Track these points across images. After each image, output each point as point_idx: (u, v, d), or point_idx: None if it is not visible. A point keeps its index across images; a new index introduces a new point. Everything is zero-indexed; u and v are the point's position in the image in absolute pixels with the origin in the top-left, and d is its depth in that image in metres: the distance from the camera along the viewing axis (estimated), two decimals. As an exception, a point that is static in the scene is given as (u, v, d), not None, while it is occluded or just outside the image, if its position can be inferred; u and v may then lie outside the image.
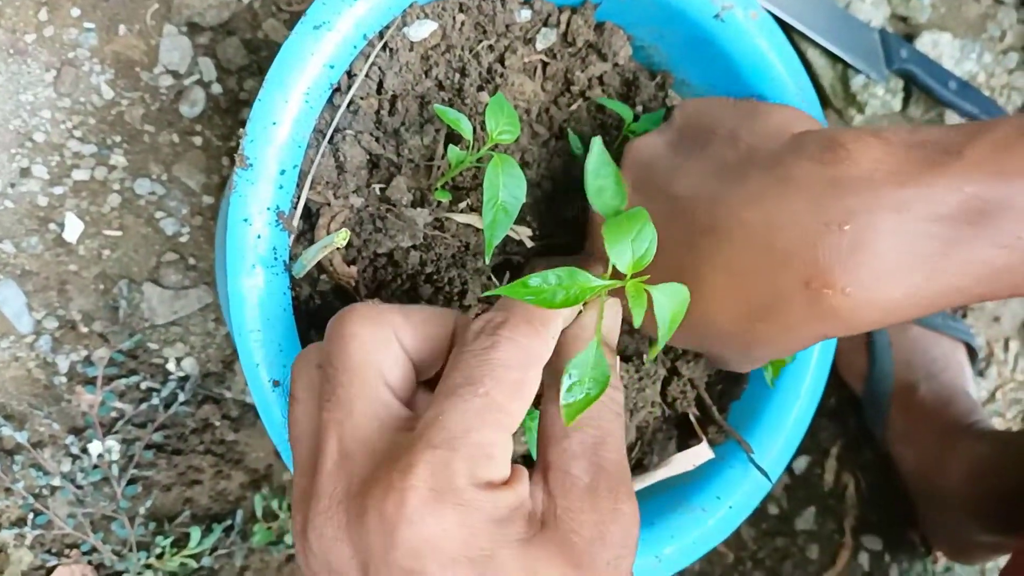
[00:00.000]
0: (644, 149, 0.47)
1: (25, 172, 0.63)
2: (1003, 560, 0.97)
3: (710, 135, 0.44)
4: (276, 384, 0.42)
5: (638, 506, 0.33)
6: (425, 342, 0.34)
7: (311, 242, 0.47)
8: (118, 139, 0.65)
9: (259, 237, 0.42)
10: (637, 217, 0.37)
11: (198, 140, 0.68)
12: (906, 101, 0.92)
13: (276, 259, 0.42)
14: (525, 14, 0.53)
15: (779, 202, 0.36)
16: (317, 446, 0.31)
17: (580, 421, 0.33)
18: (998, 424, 0.89)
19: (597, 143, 0.43)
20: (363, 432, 0.31)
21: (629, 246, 0.36)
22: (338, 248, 0.48)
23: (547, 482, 0.32)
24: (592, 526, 0.30)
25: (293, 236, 0.46)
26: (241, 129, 0.69)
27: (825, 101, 0.88)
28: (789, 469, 0.90)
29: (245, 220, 0.41)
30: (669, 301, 0.36)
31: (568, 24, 0.54)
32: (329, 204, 0.48)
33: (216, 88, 0.68)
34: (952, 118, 0.96)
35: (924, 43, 0.90)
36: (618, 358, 0.40)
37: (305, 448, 0.32)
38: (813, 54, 0.85)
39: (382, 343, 0.33)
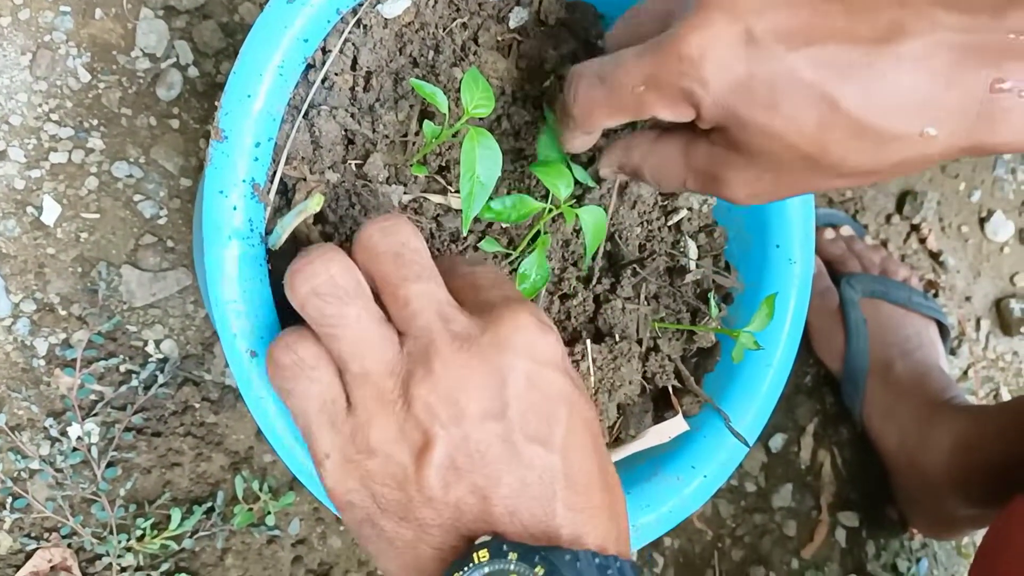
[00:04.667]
0: None
1: (2, 155, 0.63)
2: (978, 535, 0.99)
3: None
4: (253, 354, 0.43)
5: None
6: None
7: (287, 214, 0.47)
8: (95, 122, 0.66)
9: (235, 209, 0.42)
10: (555, 163, 0.49)
11: (175, 123, 0.68)
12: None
13: (252, 231, 0.43)
14: (498, -8, 0.54)
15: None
16: (418, 313, 0.36)
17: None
18: (971, 402, 0.90)
19: (550, 117, 0.52)
20: (447, 296, 0.37)
21: (560, 180, 0.47)
22: (316, 222, 0.48)
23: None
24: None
25: (269, 210, 0.47)
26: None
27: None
28: (766, 447, 0.91)
29: (221, 192, 0.42)
30: (592, 218, 0.49)
31: (540, 3, 0.55)
32: (305, 179, 0.48)
33: (193, 71, 0.68)
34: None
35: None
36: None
37: (380, 335, 0.36)
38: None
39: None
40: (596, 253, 0.54)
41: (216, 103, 0.69)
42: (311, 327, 0.37)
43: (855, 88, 0.36)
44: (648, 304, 0.57)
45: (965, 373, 1.02)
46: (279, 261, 0.49)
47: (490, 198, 0.48)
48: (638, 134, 0.48)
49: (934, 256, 1.01)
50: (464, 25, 0.53)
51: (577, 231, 0.55)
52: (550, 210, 0.48)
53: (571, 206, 0.49)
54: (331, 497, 0.37)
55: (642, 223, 0.58)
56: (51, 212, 0.64)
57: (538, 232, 0.51)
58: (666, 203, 0.59)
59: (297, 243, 0.49)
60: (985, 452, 0.79)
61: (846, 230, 0.93)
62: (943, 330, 0.92)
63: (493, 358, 0.35)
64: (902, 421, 0.87)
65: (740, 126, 0.39)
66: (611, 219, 0.56)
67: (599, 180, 0.55)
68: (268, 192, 0.45)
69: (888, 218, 0.99)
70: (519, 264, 0.51)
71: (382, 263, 0.37)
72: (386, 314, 0.37)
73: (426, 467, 0.35)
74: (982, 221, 1.04)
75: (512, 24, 0.55)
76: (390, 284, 0.37)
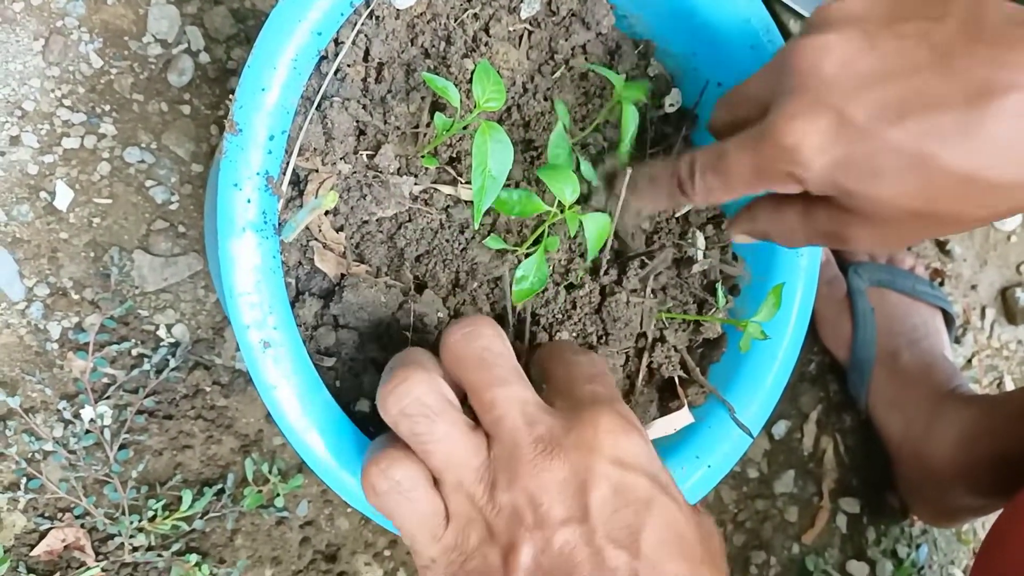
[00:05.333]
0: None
1: (15, 140, 0.64)
2: (979, 523, 1.00)
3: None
4: (266, 345, 0.43)
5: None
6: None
7: (300, 208, 0.48)
8: (107, 108, 0.66)
9: (249, 201, 0.43)
10: (563, 168, 0.49)
11: (186, 109, 0.68)
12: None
13: (266, 223, 0.43)
14: (510, -17, 0.54)
15: None
16: (503, 417, 0.38)
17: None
18: (975, 390, 0.91)
19: (560, 108, 0.52)
20: (535, 398, 0.39)
21: (566, 185, 0.47)
22: (327, 213, 0.49)
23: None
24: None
25: (282, 202, 0.47)
26: (230, 97, 0.69)
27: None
28: (769, 434, 0.92)
29: (235, 185, 0.42)
30: (595, 225, 0.50)
31: (552, -7, 0.55)
32: (317, 170, 0.49)
33: (204, 57, 0.69)
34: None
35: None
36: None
37: (469, 445, 0.38)
38: (796, 27, 0.86)
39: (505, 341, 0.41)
40: (604, 246, 0.54)
41: (228, 89, 0.70)
42: (403, 441, 0.39)
43: (956, 148, 0.38)
44: (654, 296, 0.57)
45: (969, 361, 1.03)
46: (291, 252, 0.49)
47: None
48: (757, 204, 0.50)
49: (940, 245, 1.01)
50: (476, 15, 0.53)
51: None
52: (555, 214, 0.49)
53: (577, 201, 0.50)
54: None
55: (649, 218, 0.58)
56: (64, 197, 0.65)
57: (542, 234, 0.51)
58: (674, 194, 0.59)
59: (309, 234, 0.49)
60: (990, 442, 0.79)
61: (853, 219, 0.93)
62: (948, 319, 0.93)
63: (576, 461, 0.36)
64: (907, 410, 0.88)
65: (847, 196, 0.41)
66: (616, 214, 0.56)
67: (611, 181, 0.55)
68: (281, 184, 0.46)
69: (895, 207, 0.99)
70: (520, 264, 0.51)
71: (467, 369, 0.39)
72: (475, 418, 0.39)
73: (514, 570, 0.36)
74: (989, 210, 1.04)
75: (523, 14, 0.55)
76: (476, 389, 0.39)
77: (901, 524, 0.98)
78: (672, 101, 0.59)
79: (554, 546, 0.35)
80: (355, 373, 0.51)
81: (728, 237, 0.55)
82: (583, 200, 0.54)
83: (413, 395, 0.38)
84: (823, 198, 0.44)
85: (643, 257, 0.57)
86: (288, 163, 0.47)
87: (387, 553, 0.77)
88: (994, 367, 1.04)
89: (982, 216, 0.41)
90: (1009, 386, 1.05)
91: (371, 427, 0.52)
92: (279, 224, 0.46)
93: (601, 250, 0.56)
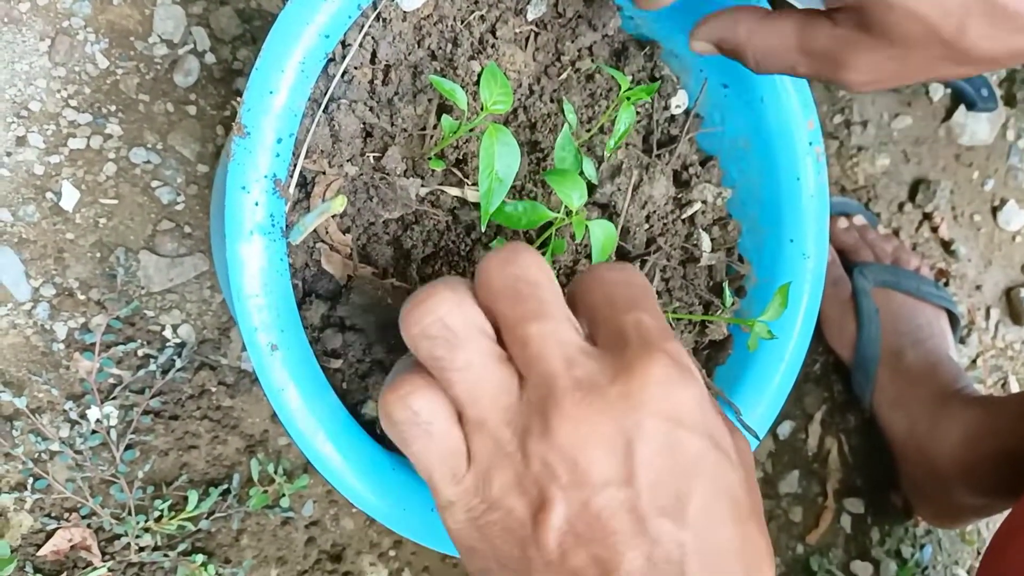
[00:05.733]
0: None
1: (21, 141, 0.64)
2: (983, 524, 1.00)
3: None
4: (274, 348, 0.44)
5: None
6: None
7: (307, 210, 0.48)
8: (113, 108, 0.66)
9: (256, 204, 0.43)
10: (570, 172, 0.48)
11: (192, 109, 0.68)
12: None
13: (273, 226, 0.44)
14: (516, -15, 0.54)
15: None
16: (539, 357, 0.33)
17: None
18: (979, 391, 0.91)
19: (568, 110, 0.52)
20: (577, 338, 0.34)
21: (573, 191, 0.47)
22: (334, 216, 0.49)
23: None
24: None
25: (289, 204, 0.47)
26: (236, 99, 0.69)
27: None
28: (774, 434, 0.92)
29: (243, 188, 0.42)
30: (601, 231, 0.49)
31: (559, -5, 0.55)
32: (324, 172, 0.49)
33: (210, 58, 0.69)
34: (936, 89, 0.97)
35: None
36: None
37: (500, 381, 0.33)
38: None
39: (548, 269, 0.35)
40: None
41: (233, 90, 0.70)
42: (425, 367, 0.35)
43: None
44: (659, 298, 0.57)
45: (974, 362, 1.03)
46: (298, 254, 0.49)
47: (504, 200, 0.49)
48: (745, 9, 0.47)
49: (945, 245, 1.01)
50: (482, 18, 0.53)
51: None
52: (562, 219, 0.48)
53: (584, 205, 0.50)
54: (454, 542, 0.35)
55: (649, 216, 0.58)
56: (70, 198, 0.65)
57: (548, 237, 0.51)
58: (680, 195, 0.59)
59: (317, 236, 0.49)
60: (995, 442, 0.79)
61: (859, 219, 0.93)
62: (953, 319, 0.93)
63: (621, 415, 0.31)
64: (912, 410, 0.88)
65: (886, 7, 0.40)
66: (622, 217, 0.56)
67: (616, 173, 0.55)
68: (288, 187, 0.46)
69: (901, 207, 0.99)
70: None
71: (499, 300, 0.34)
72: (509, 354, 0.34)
73: (544, 529, 0.32)
74: (995, 210, 1.03)
75: (530, 16, 0.55)
76: (508, 324, 0.34)
77: (905, 524, 0.98)
78: (679, 102, 0.59)
79: (591, 509, 0.31)
80: (361, 375, 0.51)
81: (693, 44, 0.50)
82: (588, 191, 0.54)
83: (436, 314, 0.33)
84: (829, 15, 0.42)
85: (642, 257, 0.57)
86: (295, 165, 0.47)
87: (392, 553, 0.77)
88: (999, 367, 1.04)
89: (991, 56, 0.40)
90: (1014, 386, 1.05)
91: (378, 429, 0.52)
92: (286, 226, 0.46)
93: (607, 253, 0.56)
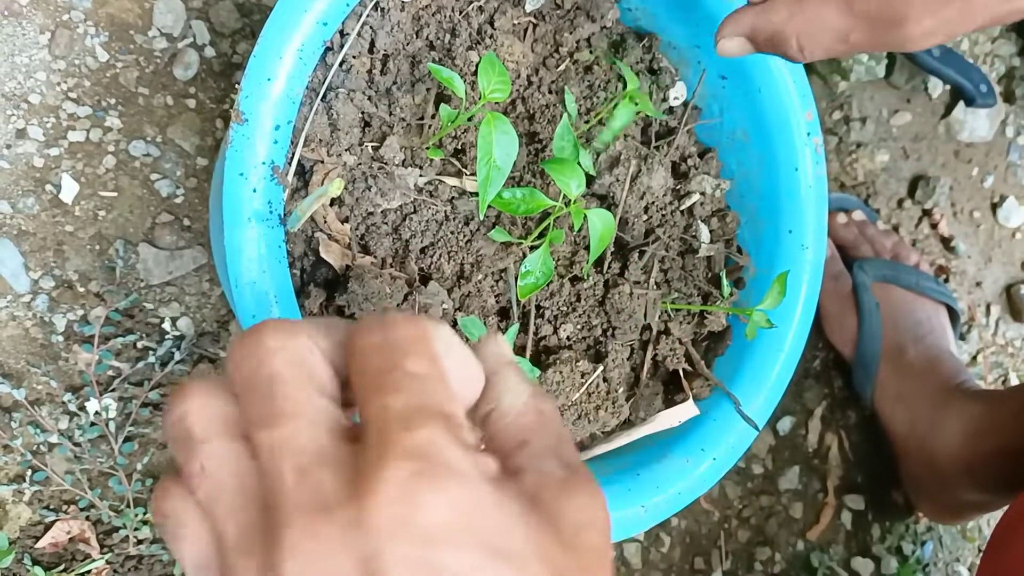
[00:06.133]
0: None
1: (21, 133, 0.64)
2: (984, 520, 1.00)
3: None
4: (272, 335, 0.43)
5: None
6: (339, 348, 0.30)
7: (306, 198, 0.48)
8: (113, 101, 0.66)
9: (255, 191, 0.43)
10: (568, 162, 0.49)
11: (192, 103, 0.68)
12: (890, 68, 0.93)
13: (271, 212, 0.44)
14: (515, -25, 0.54)
15: None
16: (268, 472, 0.27)
17: (530, 428, 0.31)
18: (980, 386, 0.91)
19: (569, 99, 0.52)
20: (318, 444, 0.27)
21: (572, 179, 0.47)
22: (332, 204, 0.49)
23: (520, 480, 0.29)
24: (579, 511, 0.29)
25: (288, 192, 0.47)
26: (236, 88, 0.69)
27: (810, 67, 0.89)
28: (774, 430, 0.92)
29: (241, 174, 0.42)
30: (600, 221, 0.50)
31: (557, -15, 0.55)
32: (323, 161, 0.49)
33: (209, 51, 0.69)
34: (935, 85, 0.97)
35: (910, 10, 0.91)
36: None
37: (236, 489, 0.28)
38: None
39: (307, 351, 0.29)
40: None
41: (233, 83, 0.70)
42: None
43: None
44: (658, 288, 0.57)
45: (974, 358, 1.03)
46: (297, 243, 0.49)
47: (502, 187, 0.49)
48: None
49: (945, 241, 1.01)
50: (480, 8, 0.54)
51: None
52: (560, 208, 0.48)
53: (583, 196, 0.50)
54: None
55: (647, 207, 0.58)
56: (69, 190, 0.65)
57: (547, 228, 0.51)
58: (679, 187, 0.59)
59: (315, 225, 0.49)
60: (997, 438, 0.79)
61: (858, 215, 0.93)
62: (953, 315, 0.93)
63: (356, 543, 0.25)
64: (913, 405, 0.88)
65: None
66: (620, 207, 0.56)
67: (614, 164, 0.55)
68: (287, 174, 0.46)
69: (900, 203, 0.99)
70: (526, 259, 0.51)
71: (240, 397, 0.29)
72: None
73: None
74: (994, 207, 1.03)
75: (528, 7, 0.55)
76: (247, 428, 0.28)
77: (906, 521, 0.97)
78: (677, 94, 0.59)
79: None
80: (360, 364, 0.51)
81: (722, 46, 0.46)
82: (587, 182, 0.55)
83: (177, 412, 0.29)
84: None
85: (642, 248, 0.57)
86: (294, 154, 0.47)
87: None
88: (999, 364, 1.04)
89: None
90: (1014, 382, 1.04)
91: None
92: (284, 214, 0.46)
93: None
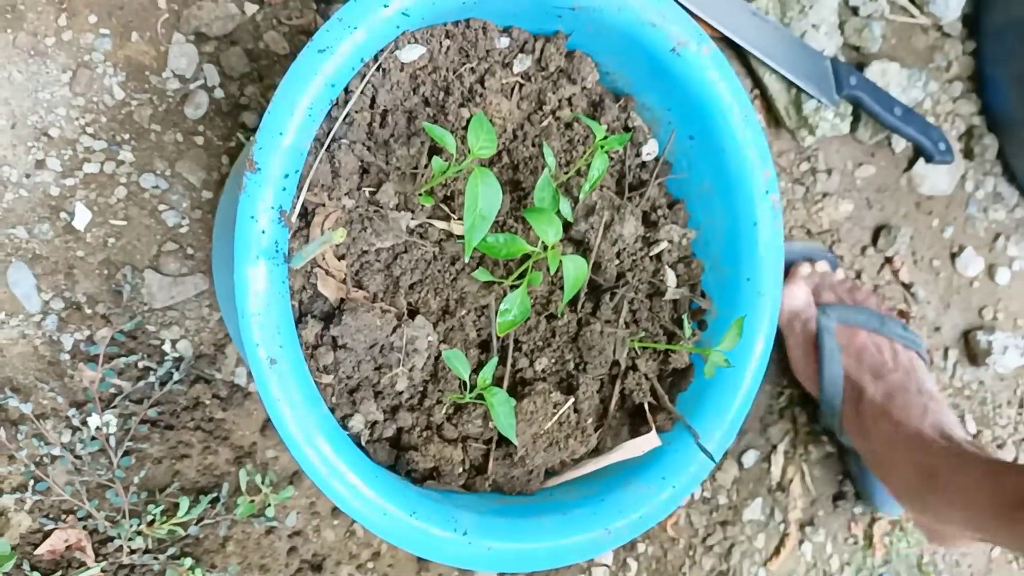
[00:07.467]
0: None
1: (40, 164, 0.69)
2: (939, 555, 1.05)
3: None
4: (273, 362, 0.48)
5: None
6: None
7: (307, 239, 0.53)
8: (127, 136, 0.71)
9: (263, 232, 0.47)
10: (547, 211, 0.54)
11: (200, 140, 0.73)
12: (854, 125, 0.99)
13: (277, 252, 0.48)
14: (504, 41, 0.59)
15: None
16: None
17: None
18: (946, 422, 0.95)
19: (548, 152, 0.57)
20: None
21: (550, 227, 0.53)
22: (332, 244, 0.54)
23: None
24: None
25: (291, 232, 0.52)
26: (240, 132, 0.74)
27: (779, 122, 0.95)
28: (739, 462, 0.96)
29: (252, 217, 0.47)
30: (573, 267, 0.55)
31: (542, 51, 0.61)
32: (324, 204, 0.54)
33: (219, 93, 0.74)
34: (898, 140, 1.03)
35: (873, 72, 0.98)
36: None
37: None
38: (770, 79, 0.92)
39: None
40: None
41: (239, 123, 0.75)
42: None
43: None
44: (627, 328, 0.62)
45: (931, 400, 1.08)
46: (296, 277, 0.54)
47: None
48: None
49: (906, 287, 1.06)
50: (472, 70, 0.59)
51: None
52: (538, 253, 0.53)
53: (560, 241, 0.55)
54: None
55: (619, 253, 0.63)
56: (82, 218, 0.69)
57: (526, 270, 0.56)
58: (649, 235, 0.64)
59: (313, 261, 0.54)
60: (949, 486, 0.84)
61: (821, 265, 0.98)
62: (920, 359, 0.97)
63: None
64: (873, 444, 0.92)
65: None
66: (594, 252, 0.61)
67: (589, 212, 0.60)
68: (292, 217, 0.50)
69: (863, 250, 1.04)
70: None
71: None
72: None
73: None
74: (953, 256, 1.09)
75: (516, 69, 0.60)
76: None
77: (864, 554, 1.02)
78: (649, 151, 0.64)
79: None
80: (350, 391, 0.56)
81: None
82: (564, 228, 0.60)
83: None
84: None
85: (613, 290, 0.62)
86: (299, 198, 0.52)
87: (370, 565, 0.81)
88: (956, 406, 1.09)
89: None
90: (971, 425, 1.10)
91: (363, 441, 0.57)
92: (288, 252, 0.50)
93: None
